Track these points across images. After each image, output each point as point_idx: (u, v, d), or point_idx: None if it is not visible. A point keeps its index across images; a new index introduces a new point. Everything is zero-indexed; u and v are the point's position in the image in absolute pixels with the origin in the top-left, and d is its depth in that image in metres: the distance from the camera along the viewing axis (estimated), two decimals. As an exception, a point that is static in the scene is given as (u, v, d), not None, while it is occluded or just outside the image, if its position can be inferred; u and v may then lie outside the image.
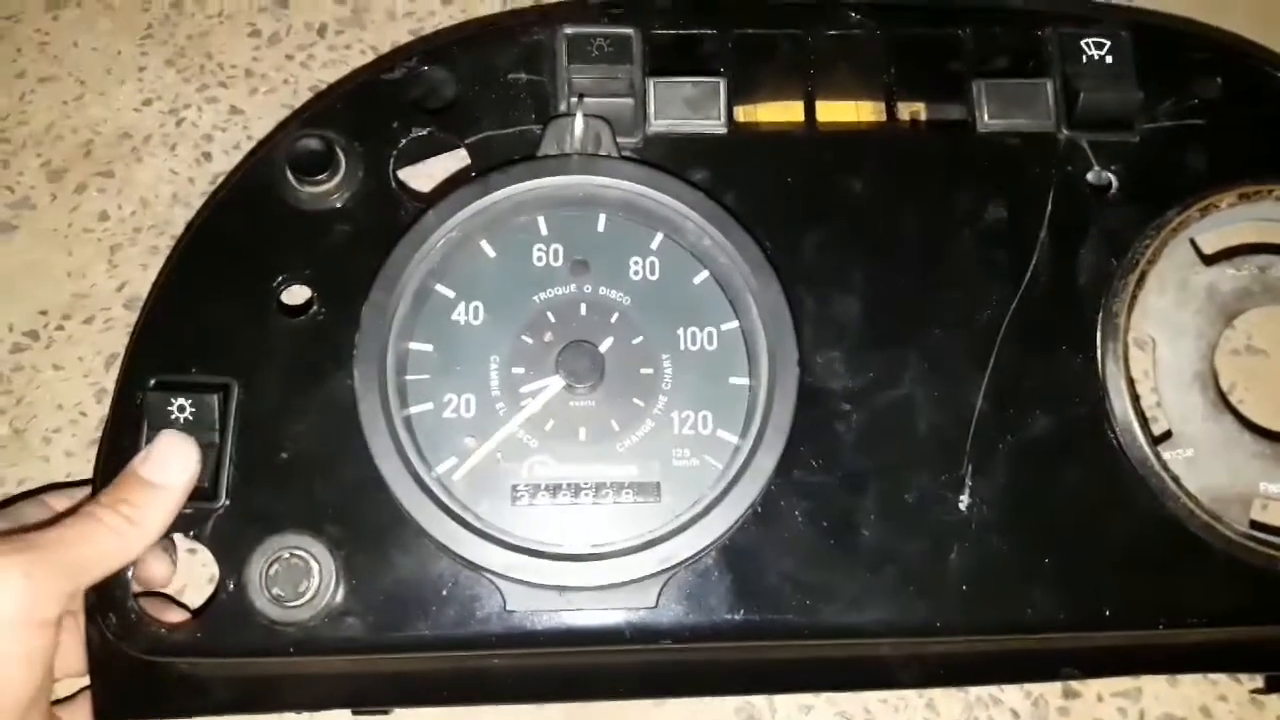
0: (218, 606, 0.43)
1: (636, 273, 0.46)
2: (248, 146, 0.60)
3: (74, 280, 0.58)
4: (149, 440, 0.43)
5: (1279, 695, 0.52)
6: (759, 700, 0.52)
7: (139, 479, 0.42)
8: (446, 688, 0.47)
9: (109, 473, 0.44)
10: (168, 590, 0.51)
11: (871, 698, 0.52)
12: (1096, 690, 0.53)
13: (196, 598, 0.51)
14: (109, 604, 0.43)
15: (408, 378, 0.44)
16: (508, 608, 0.42)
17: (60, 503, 0.46)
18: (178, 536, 0.44)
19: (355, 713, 0.50)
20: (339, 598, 0.42)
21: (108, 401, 0.48)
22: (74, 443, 0.55)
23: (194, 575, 0.51)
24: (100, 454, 0.45)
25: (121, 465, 0.43)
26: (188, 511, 0.43)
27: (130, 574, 0.44)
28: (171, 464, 0.43)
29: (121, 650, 0.43)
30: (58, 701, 0.47)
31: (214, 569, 0.43)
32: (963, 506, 0.45)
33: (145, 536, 0.42)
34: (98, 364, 0.56)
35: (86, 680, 0.45)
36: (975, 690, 0.52)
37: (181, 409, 0.43)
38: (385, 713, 0.50)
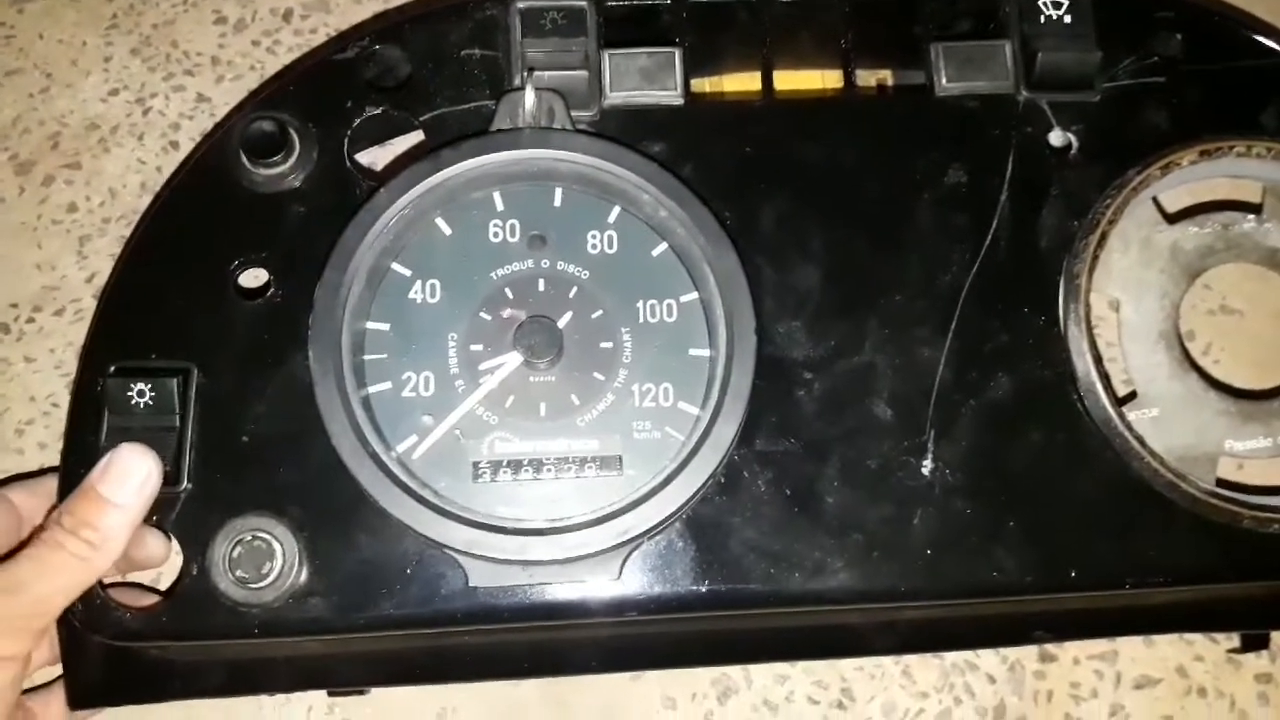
0: (183, 590, 0.43)
1: (594, 246, 0.46)
2: (215, 134, 0.60)
3: (44, 273, 0.58)
4: (109, 429, 0.43)
5: (1255, 654, 0.52)
6: (735, 671, 0.52)
7: (98, 497, 0.41)
8: (420, 666, 0.47)
9: (72, 463, 0.44)
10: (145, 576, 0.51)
11: (847, 666, 0.52)
12: (1073, 654, 0.53)
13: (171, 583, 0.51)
14: (76, 592, 0.43)
15: (365, 357, 0.44)
16: (471, 584, 0.42)
17: (20, 497, 0.46)
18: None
19: (331, 693, 0.50)
20: (303, 578, 0.43)
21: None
22: (47, 434, 0.55)
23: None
24: (64, 444, 0.45)
25: (84, 455, 0.43)
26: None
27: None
28: (131, 479, 0.42)
29: (90, 637, 0.44)
30: (33, 689, 0.47)
31: (182, 554, 0.44)
32: (926, 471, 0.44)
33: (109, 555, 0.41)
34: (69, 355, 0.56)
35: (60, 669, 0.46)
36: (951, 656, 0.52)
37: (141, 394, 0.43)
38: (361, 692, 0.50)
